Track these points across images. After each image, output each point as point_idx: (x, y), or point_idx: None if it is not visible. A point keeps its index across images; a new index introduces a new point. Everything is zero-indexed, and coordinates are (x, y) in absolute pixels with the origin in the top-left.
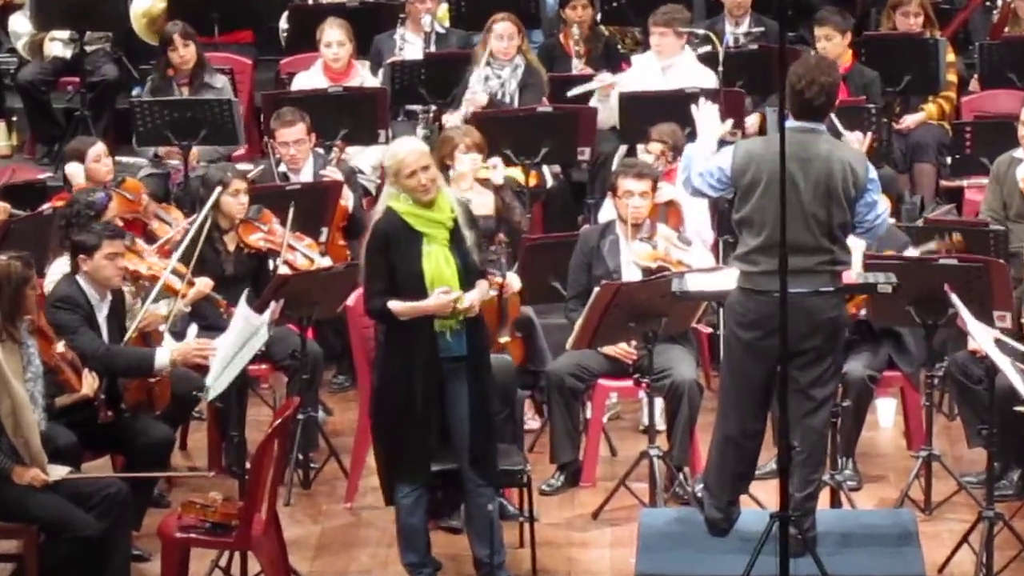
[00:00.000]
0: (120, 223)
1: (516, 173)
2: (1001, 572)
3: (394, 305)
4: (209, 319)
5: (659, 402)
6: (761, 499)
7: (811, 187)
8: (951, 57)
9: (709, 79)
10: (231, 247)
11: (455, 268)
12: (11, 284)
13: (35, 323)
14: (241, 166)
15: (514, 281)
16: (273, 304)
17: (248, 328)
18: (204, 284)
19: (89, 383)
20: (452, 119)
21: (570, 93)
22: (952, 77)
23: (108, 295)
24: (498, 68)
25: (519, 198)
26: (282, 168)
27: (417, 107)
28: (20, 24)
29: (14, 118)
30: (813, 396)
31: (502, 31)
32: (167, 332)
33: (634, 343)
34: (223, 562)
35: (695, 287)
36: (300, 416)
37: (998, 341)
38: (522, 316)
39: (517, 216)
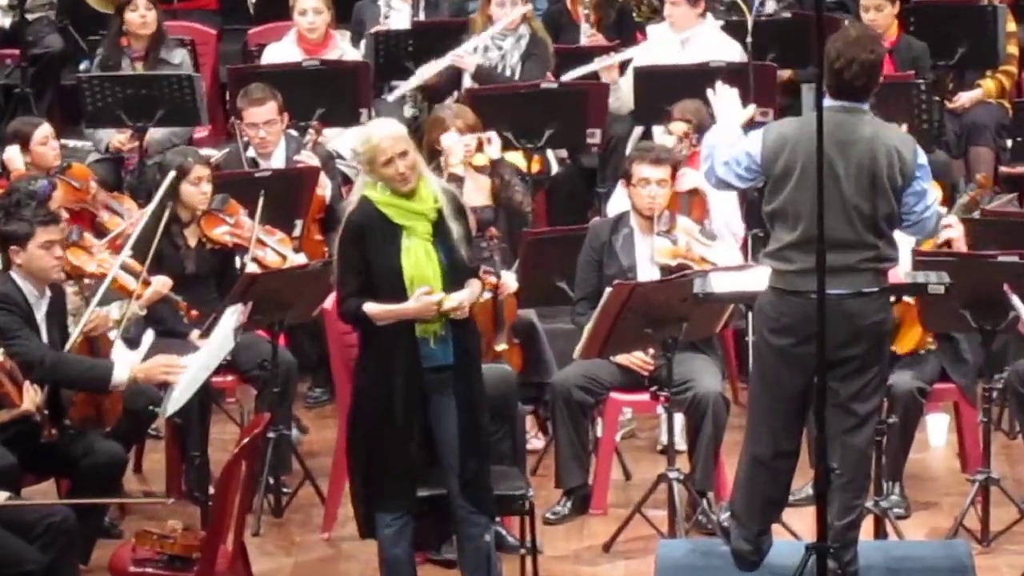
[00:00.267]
0: (65, 214)
1: (517, 158)
2: None
3: (370, 308)
4: (167, 324)
5: (679, 418)
6: (796, 529)
7: (852, 174)
8: (1012, 26)
9: (735, 52)
10: (192, 242)
11: (438, 265)
12: None
13: None
14: (204, 151)
15: (510, 281)
16: (240, 307)
17: (227, 347)
18: (161, 284)
19: (31, 397)
20: (427, 70)
21: (566, 77)
22: (1013, 49)
23: (47, 292)
24: (499, 38)
25: (521, 179)
26: (250, 153)
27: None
28: None
29: None
30: (855, 411)
31: None
32: (119, 339)
33: (651, 351)
34: None
35: (721, 288)
36: (271, 434)
37: None
38: (522, 320)
39: (519, 196)
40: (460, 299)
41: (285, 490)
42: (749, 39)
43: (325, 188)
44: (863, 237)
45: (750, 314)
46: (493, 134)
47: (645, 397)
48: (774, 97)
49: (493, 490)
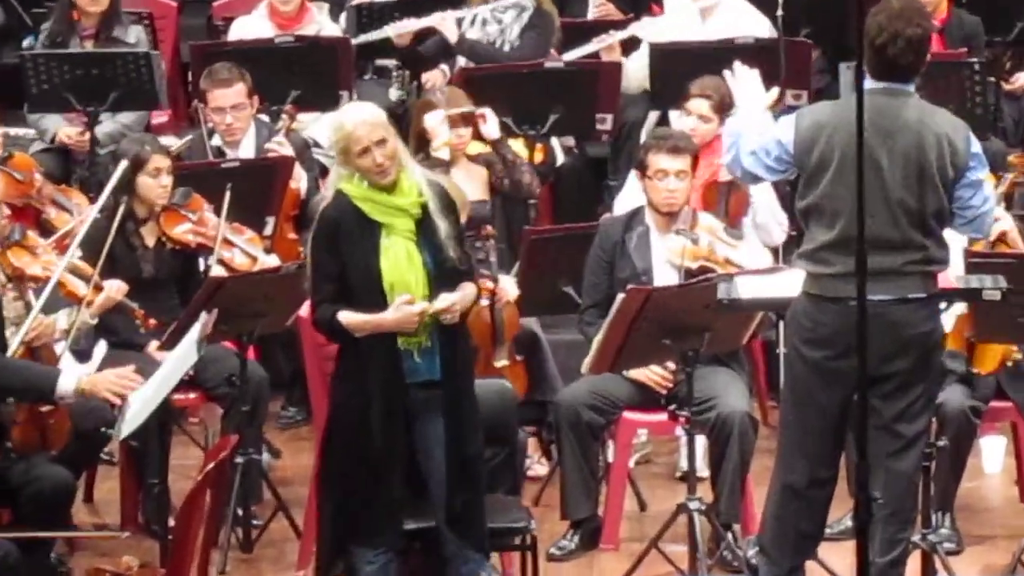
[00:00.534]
0: (6, 211)
1: (517, 147)
2: None
3: (345, 317)
4: (122, 334)
5: (701, 441)
6: (833, 566)
7: (898, 165)
8: None
9: (763, 26)
10: (150, 242)
11: (421, 268)
12: None
13: None
14: (164, 139)
15: (508, 286)
16: (205, 315)
17: (190, 360)
18: (115, 289)
19: None
20: (401, 27)
21: (567, 57)
22: None
23: None
24: (499, 10)
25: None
26: (216, 141)
27: (390, 62)
28: None
29: None
30: (900, 433)
31: None
32: (67, 351)
33: (669, 366)
34: None
35: (748, 293)
36: (239, 459)
37: None
38: (524, 331)
39: (528, 177)
40: (451, 300)
41: (255, 522)
42: (780, 12)
43: (300, 181)
44: (909, 236)
45: (781, 323)
46: (488, 111)
47: (662, 417)
48: (808, 78)
49: (486, 523)
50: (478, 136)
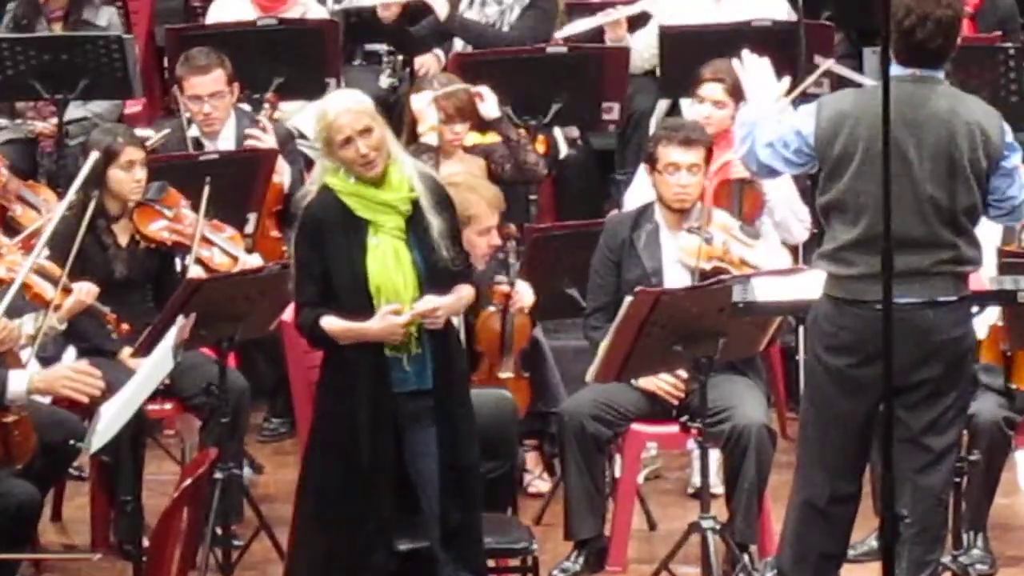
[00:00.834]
0: None
1: None
2: None
3: (328, 323)
4: (92, 340)
5: (715, 455)
6: None
7: (927, 158)
8: None
9: (781, 8)
10: (123, 240)
11: (411, 269)
12: None
13: None
14: (138, 130)
15: (525, 292)
16: (181, 319)
17: (165, 368)
18: (85, 292)
19: None
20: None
21: (560, 34)
22: None
23: None
24: None
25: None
26: (193, 131)
27: (380, 47)
28: None
29: None
30: (928, 447)
31: None
32: (34, 357)
33: (681, 374)
34: None
35: (765, 296)
36: (218, 474)
37: None
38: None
39: (533, 156)
40: (436, 303)
41: (236, 542)
42: None
43: (284, 175)
44: (939, 234)
45: (801, 328)
46: (486, 89)
47: (674, 429)
48: None
49: (483, 542)
50: (475, 128)
